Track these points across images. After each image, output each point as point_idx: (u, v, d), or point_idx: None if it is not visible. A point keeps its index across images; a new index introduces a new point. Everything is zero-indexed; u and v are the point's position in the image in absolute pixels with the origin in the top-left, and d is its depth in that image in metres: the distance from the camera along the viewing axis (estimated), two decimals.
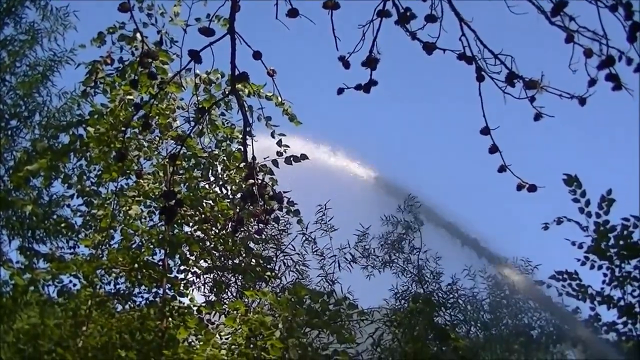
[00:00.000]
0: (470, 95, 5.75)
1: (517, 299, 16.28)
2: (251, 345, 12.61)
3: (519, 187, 5.88)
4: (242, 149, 6.29)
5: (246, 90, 12.69)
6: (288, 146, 13.91)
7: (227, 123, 14.69)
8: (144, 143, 14.45)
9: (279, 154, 13.85)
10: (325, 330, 13.26)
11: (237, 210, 6.85)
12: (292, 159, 13.88)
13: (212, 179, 14.79)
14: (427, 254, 16.02)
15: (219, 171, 14.73)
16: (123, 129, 13.16)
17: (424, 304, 15.43)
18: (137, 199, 14.31)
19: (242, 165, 12.96)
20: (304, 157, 13.95)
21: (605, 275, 15.50)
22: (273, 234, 15.56)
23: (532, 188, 5.88)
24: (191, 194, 14.33)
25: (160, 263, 14.50)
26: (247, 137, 6.31)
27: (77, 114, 16.47)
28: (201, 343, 12.11)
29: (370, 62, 5.77)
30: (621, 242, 15.25)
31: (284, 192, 13.36)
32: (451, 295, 16.01)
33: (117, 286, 14.81)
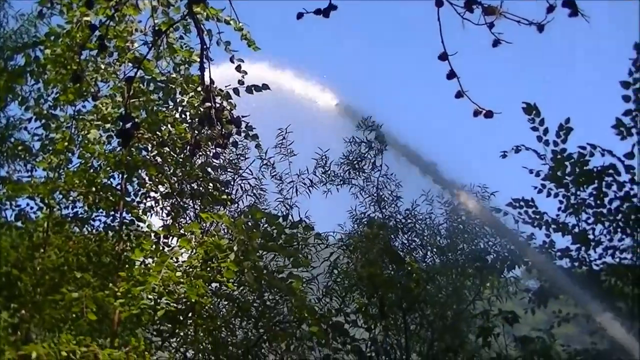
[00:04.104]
0: (432, 26, 5.70)
1: (473, 225, 16.46)
2: (207, 268, 12.67)
3: (476, 113, 5.87)
4: (200, 73, 6.24)
5: (204, 14, 12.56)
6: (246, 72, 13.78)
7: (186, 47, 14.55)
8: (101, 65, 14.29)
9: (240, 82, 13.72)
10: (281, 253, 13.34)
11: (195, 133, 6.79)
12: (253, 88, 13.78)
13: (170, 103, 14.68)
14: (387, 174, 16.17)
15: (177, 95, 14.62)
16: (79, 50, 13.02)
17: (379, 228, 15.56)
18: (95, 122, 14.21)
19: (199, 89, 12.87)
20: (265, 87, 13.83)
21: (561, 202, 15.68)
22: (231, 158, 15.52)
23: (489, 114, 5.88)
24: (149, 118, 14.24)
25: (119, 187, 14.47)
26: (205, 60, 6.24)
27: (33, 36, 16.22)
28: (155, 265, 12.08)
29: None
30: (577, 170, 15.39)
31: (243, 117, 13.31)
32: (409, 220, 16.16)
33: (75, 210, 14.81)
